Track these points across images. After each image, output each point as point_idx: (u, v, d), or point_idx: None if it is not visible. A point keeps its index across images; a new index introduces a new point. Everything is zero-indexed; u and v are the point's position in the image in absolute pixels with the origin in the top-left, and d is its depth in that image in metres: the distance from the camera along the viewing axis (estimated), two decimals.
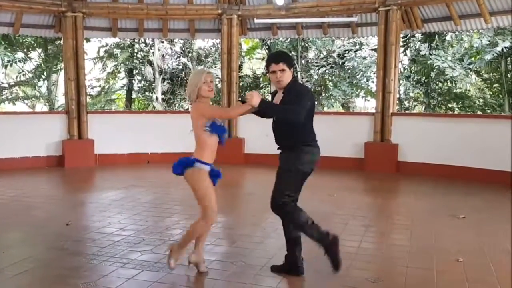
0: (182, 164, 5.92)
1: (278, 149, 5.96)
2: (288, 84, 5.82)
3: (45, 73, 23.28)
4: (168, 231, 7.96)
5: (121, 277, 5.87)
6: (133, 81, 26.49)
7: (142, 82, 26.36)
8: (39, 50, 23.04)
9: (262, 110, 5.69)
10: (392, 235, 8.13)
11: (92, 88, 25.94)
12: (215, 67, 24.87)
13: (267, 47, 24.30)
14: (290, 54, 6.46)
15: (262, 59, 26.27)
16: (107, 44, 25.10)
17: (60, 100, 24.00)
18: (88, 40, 20.50)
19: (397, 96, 16.64)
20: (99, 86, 26.68)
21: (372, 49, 22.36)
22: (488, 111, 20.61)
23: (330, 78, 24.00)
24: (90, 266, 6.27)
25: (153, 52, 25.42)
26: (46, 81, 23.88)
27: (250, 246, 7.11)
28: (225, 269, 6.22)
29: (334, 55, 23.79)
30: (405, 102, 22.54)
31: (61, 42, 16.91)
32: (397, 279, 5.99)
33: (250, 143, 15.58)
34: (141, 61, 25.64)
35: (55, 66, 23.18)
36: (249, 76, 25.35)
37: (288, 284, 5.92)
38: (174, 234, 7.76)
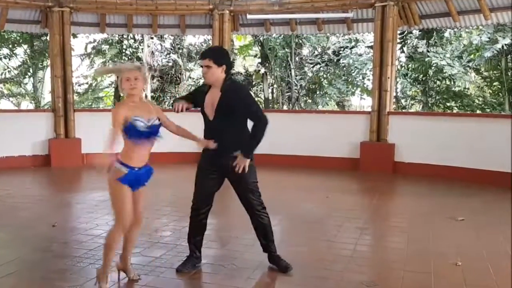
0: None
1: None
2: (224, 84, 5.93)
3: (31, 70, 23.27)
4: (157, 233, 7.95)
5: (109, 280, 5.82)
6: None
7: None
8: (25, 46, 23.00)
9: (252, 151, 5.94)
10: (388, 237, 8.15)
11: (79, 85, 25.87)
12: None
13: (260, 43, 24.23)
14: (226, 50, 6.44)
15: (255, 56, 26.29)
16: (94, 40, 25.02)
17: (46, 98, 23.97)
18: (75, 36, 20.46)
19: (394, 94, 16.70)
20: (87, 83, 26.59)
21: (368, 46, 22.36)
22: (488, 110, 20.60)
23: (324, 76, 24.02)
24: (76, 269, 6.27)
25: (142, 49, 25.35)
26: (32, 78, 23.87)
27: (241, 248, 7.11)
28: (216, 272, 6.24)
29: (329, 52, 23.77)
30: (402, 101, 22.65)
31: (48, 38, 16.87)
32: (393, 283, 6.01)
33: None
34: (130, 57, 25.51)
35: (41, 63, 23.16)
36: (241, 73, 25.34)
37: (280, 287, 5.98)
38: (163, 236, 7.77)
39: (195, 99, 6.26)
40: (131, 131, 5.47)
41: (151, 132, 5.55)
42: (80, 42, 24.84)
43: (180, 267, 6.20)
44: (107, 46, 25.11)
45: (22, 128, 14.57)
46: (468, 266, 6.48)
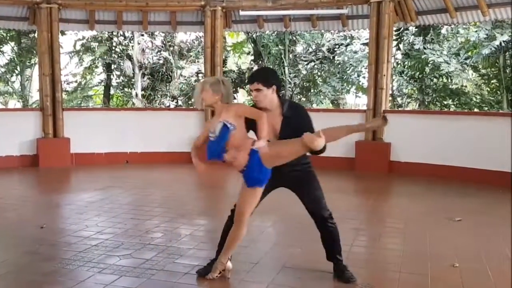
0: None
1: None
2: (283, 107, 5.86)
3: (18, 68, 23.21)
4: (148, 234, 7.94)
5: (99, 283, 5.85)
6: (111, 77, 26.40)
7: (121, 77, 26.29)
8: (12, 44, 22.94)
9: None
10: (384, 238, 8.13)
11: (68, 83, 25.86)
12: (198, 61, 24.90)
13: (253, 41, 24.27)
14: (273, 70, 6.52)
15: (248, 54, 26.29)
16: (83, 37, 25.03)
17: (34, 96, 23.93)
18: (63, 33, 20.43)
19: (390, 92, 16.61)
20: (76, 81, 26.60)
21: (363, 44, 22.26)
22: (486, 108, 20.54)
23: (319, 74, 24.03)
24: (65, 272, 6.24)
25: (132, 46, 25.35)
26: (19, 76, 23.81)
27: (234, 250, 7.04)
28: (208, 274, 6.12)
29: (324, 49, 23.69)
30: (398, 99, 22.57)
31: (35, 35, 16.83)
32: (389, 285, 6.02)
33: None
34: (119, 55, 25.57)
35: (29, 61, 23.14)
36: (234, 71, 25.26)
37: None
38: (154, 238, 7.75)
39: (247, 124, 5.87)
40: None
41: (213, 150, 5.60)
42: (68, 40, 24.87)
43: (201, 270, 6.17)
44: (96, 44, 25.06)
45: (10, 127, 14.52)
46: (465, 268, 6.48)
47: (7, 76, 23.33)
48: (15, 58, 22.72)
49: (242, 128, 5.57)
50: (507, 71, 19.64)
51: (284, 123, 5.81)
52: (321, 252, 6.35)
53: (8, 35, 22.19)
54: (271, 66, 22.90)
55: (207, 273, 6.05)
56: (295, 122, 5.77)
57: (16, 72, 23.41)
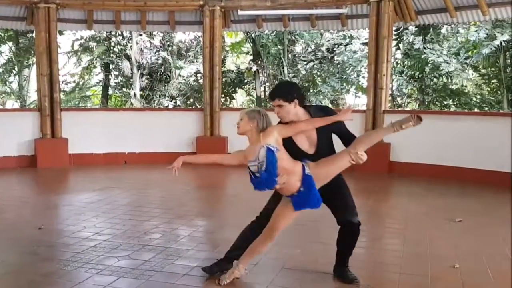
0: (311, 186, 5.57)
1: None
2: (312, 115, 5.82)
3: (16, 68, 23.18)
4: (147, 235, 7.93)
5: (97, 284, 5.85)
6: (110, 77, 26.38)
7: (119, 77, 26.23)
8: (10, 44, 22.92)
9: None
10: (384, 239, 8.22)
11: (66, 84, 25.85)
12: (196, 61, 24.88)
13: (252, 40, 24.27)
14: (293, 83, 6.81)
15: (247, 54, 26.29)
16: (81, 37, 25.00)
17: (32, 96, 23.87)
18: (61, 33, 20.41)
19: (390, 92, 16.68)
20: (74, 81, 26.58)
21: (363, 43, 22.20)
22: (486, 108, 20.54)
23: (318, 73, 24.03)
24: (64, 273, 6.24)
25: (130, 46, 25.29)
26: (17, 77, 23.77)
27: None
28: (206, 275, 6.19)
29: (323, 49, 23.73)
30: (398, 99, 22.60)
31: (33, 35, 16.83)
32: (389, 287, 6.05)
33: (235, 143, 15.39)
34: (118, 55, 25.51)
35: (26, 61, 23.11)
36: (232, 71, 25.29)
37: None
38: (153, 238, 7.75)
39: None
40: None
41: (258, 181, 5.51)
42: (66, 39, 24.83)
43: (208, 268, 6.23)
44: (95, 43, 25.04)
45: (7, 127, 14.51)
46: (466, 269, 6.50)
47: (5, 76, 23.29)
48: (13, 58, 22.69)
49: (285, 151, 5.54)
50: (508, 71, 19.66)
51: (318, 130, 5.80)
52: (320, 253, 6.45)
53: (6, 35, 22.17)
54: (270, 66, 22.95)
55: (213, 272, 6.13)
56: (328, 128, 5.79)
57: (14, 72, 23.39)
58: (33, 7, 14.79)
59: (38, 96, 15.45)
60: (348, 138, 5.88)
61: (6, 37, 22.41)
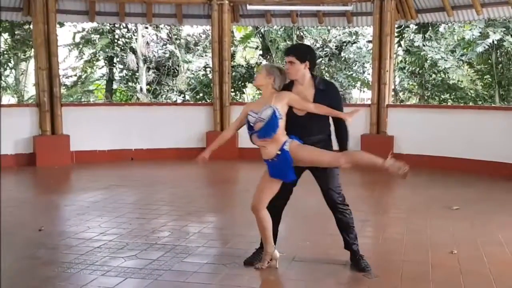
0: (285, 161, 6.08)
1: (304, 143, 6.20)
2: (315, 81, 6.32)
3: (12, 61, 23.20)
4: (155, 234, 7.93)
5: (102, 286, 5.84)
6: (114, 70, 26.37)
7: (124, 71, 26.25)
8: (5, 35, 22.89)
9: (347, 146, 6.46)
10: (388, 228, 8.72)
11: (67, 77, 25.81)
12: (206, 55, 24.89)
13: (261, 35, 24.73)
14: (310, 47, 7.01)
15: (256, 48, 26.50)
16: (83, 29, 24.97)
17: (30, 91, 23.98)
18: (62, 24, 20.38)
19: (392, 87, 17.91)
20: (75, 75, 26.49)
21: (368, 41, 23.62)
22: (480, 102, 22.43)
23: (326, 69, 24.90)
24: (66, 276, 6.19)
25: (136, 39, 25.31)
26: (13, 70, 23.82)
27: (245, 246, 7.16)
28: (217, 272, 6.32)
29: (330, 45, 24.65)
30: (400, 94, 24.47)
31: (31, 26, 16.77)
32: (393, 274, 6.39)
33: (245, 138, 15.35)
34: (122, 48, 25.51)
35: (23, 54, 23.12)
36: (242, 65, 25.40)
37: (284, 284, 6.38)
38: (161, 237, 7.76)
39: None
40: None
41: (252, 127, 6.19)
42: (67, 31, 24.77)
43: (248, 260, 6.53)
44: (98, 36, 24.97)
45: (3, 124, 14.29)
46: (463, 254, 7.05)
47: (1, 70, 23.25)
48: (9, 51, 22.66)
49: (284, 122, 6.08)
50: (499, 68, 21.87)
51: (317, 95, 6.24)
52: (330, 245, 6.93)
53: (1, 26, 22.11)
54: (279, 61, 23.21)
55: (252, 262, 6.47)
56: (328, 96, 6.26)
57: (10, 65, 23.38)
58: None
59: (36, 91, 15.33)
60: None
61: (1, 29, 22.34)
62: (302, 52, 6.25)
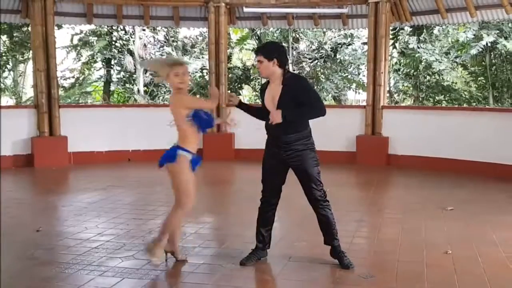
0: (165, 157, 6.67)
1: (279, 143, 6.47)
2: (284, 78, 6.47)
3: (10, 63, 23.19)
4: (152, 234, 7.86)
5: (100, 286, 5.86)
6: (112, 72, 26.35)
7: (122, 73, 26.22)
8: (4, 37, 22.87)
9: (289, 119, 6.25)
10: (384, 229, 8.70)
11: (65, 79, 25.81)
12: (202, 57, 24.90)
13: (257, 37, 24.78)
14: (278, 45, 7.37)
15: (252, 50, 26.46)
16: (81, 31, 24.97)
17: (28, 93, 23.97)
18: (60, 26, 20.39)
19: (387, 89, 18.21)
20: (73, 77, 26.50)
21: (363, 43, 23.68)
22: (474, 103, 22.86)
23: (322, 71, 24.89)
24: (64, 276, 6.20)
25: (133, 41, 25.33)
26: (11, 72, 23.81)
27: (241, 247, 7.17)
28: (213, 272, 6.35)
29: (326, 47, 24.75)
30: (395, 95, 24.64)
31: (29, 28, 16.77)
32: (389, 274, 6.41)
33: (240, 138, 15.63)
34: (120, 50, 25.53)
35: (22, 55, 23.10)
36: (238, 67, 25.57)
37: (280, 284, 6.37)
38: None
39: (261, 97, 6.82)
40: (198, 118, 6.49)
41: (210, 120, 6.61)
42: (65, 34, 24.78)
43: (244, 260, 6.58)
44: (95, 38, 24.99)
45: (2, 125, 14.35)
46: (457, 254, 7.09)
47: None
48: (7, 53, 22.64)
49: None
50: (493, 69, 22.23)
51: (282, 91, 6.40)
52: (325, 246, 6.73)
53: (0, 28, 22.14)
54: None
55: (248, 262, 6.57)
56: (293, 91, 6.36)
57: (8, 67, 23.38)
58: (28, 0, 14.69)
59: (34, 92, 15.33)
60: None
61: None
62: (269, 51, 6.49)
